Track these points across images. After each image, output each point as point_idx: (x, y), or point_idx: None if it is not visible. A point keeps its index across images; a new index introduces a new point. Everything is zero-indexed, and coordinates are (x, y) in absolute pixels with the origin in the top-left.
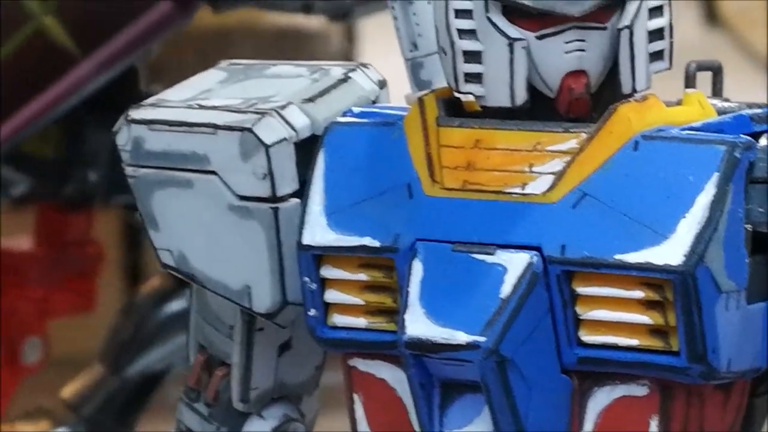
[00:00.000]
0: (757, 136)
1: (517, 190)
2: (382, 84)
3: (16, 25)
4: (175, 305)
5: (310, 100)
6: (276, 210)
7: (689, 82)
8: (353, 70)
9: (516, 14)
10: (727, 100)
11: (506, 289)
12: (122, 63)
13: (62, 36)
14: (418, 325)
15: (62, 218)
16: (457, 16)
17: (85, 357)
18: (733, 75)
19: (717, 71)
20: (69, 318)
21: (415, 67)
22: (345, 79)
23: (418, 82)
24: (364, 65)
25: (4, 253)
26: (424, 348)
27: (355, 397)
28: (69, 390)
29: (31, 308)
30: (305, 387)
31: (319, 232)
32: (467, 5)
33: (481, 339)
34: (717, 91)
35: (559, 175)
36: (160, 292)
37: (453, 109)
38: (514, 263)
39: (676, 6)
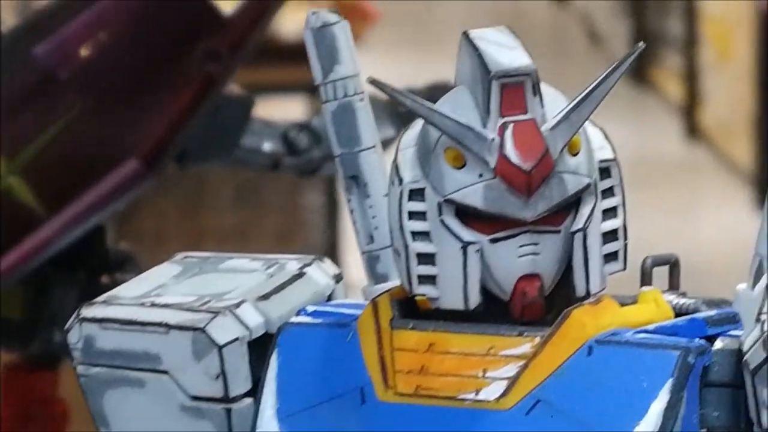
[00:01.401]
0: (712, 338)
1: (471, 396)
2: (338, 278)
3: None
4: None
5: (264, 297)
6: (229, 411)
7: (645, 278)
8: (309, 264)
9: (469, 217)
10: (683, 294)
11: None
12: (88, 223)
13: (27, 196)
14: None
15: (29, 377)
16: (410, 218)
17: None
18: (714, 189)
19: (674, 264)
20: None
21: (371, 260)
22: (300, 275)
23: (374, 274)
24: (320, 258)
25: None
26: None
27: None
28: None
29: None
30: None
31: None
32: (421, 207)
33: None
34: (674, 285)
35: (513, 381)
36: None
37: (408, 308)
38: None
39: (658, 119)
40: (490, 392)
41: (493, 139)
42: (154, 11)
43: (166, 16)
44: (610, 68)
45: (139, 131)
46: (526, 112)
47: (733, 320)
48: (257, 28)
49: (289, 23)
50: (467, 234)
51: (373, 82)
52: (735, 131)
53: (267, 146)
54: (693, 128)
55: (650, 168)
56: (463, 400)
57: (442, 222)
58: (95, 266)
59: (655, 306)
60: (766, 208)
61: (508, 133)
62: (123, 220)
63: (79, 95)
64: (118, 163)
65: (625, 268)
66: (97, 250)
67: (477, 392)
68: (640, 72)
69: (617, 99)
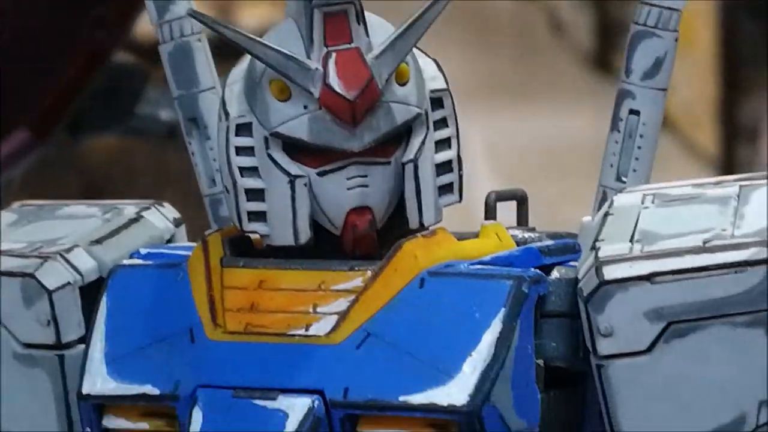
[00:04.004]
0: (549, 268)
1: (301, 332)
2: (178, 222)
3: None
4: None
5: (98, 241)
6: (62, 357)
7: (489, 213)
8: (147, 208)
9: (296, 151)
10: (532, 229)
11: None
12: None
13: None
14: None
15: None
16: (238, 153)
17: None
18: (679, 174)
19: (521, 200)
20: None
21: (213, 204)
22: (137, 219)
23: (217, 218)
24: (160, 203)
25: None
26: None
27: None
28: None
29: None
30: None
31: (99, 380)
32: (248, 142)
33: None
34: (522, 220)
35: (343, 315)
36: None
37: (240, 246)
38: (296, 408)
39: None
40: (321, 327)
41: (316, 69)
42: None
43: None
44: None
45: (27, 102)
46: (350, 42)
47: (573, 250)
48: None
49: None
50: (295, 168)
51: (192, 14)
52: (699, 118)
53: (164, 114)
54: None
55: None
56: (293, 336)
57: (270, 156)
58: None
59: (497, 239)
60: (607, 143)
61: (332, 62)
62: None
63: None
64: (7, 133)
65: (460, 200)
66: None
67: (307, 328)
68: (602, 60)
69: (580, 86)
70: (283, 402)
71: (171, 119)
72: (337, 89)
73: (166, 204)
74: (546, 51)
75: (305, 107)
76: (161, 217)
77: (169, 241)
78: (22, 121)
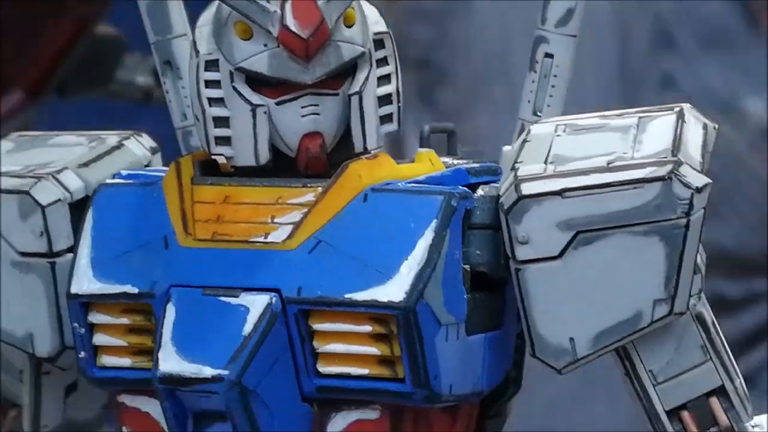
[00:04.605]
0: (475, 187)
1: (260, 239)
2: (155, 150)
3: None
4: None
5: (85, 165)
6: (53, 264)
7: (423, 142)
8: (127, 138)
9: (258, 83)
10: (461, 158)
11: (248, 327)
12: None
13: None
14: (169, 362)
15: None
16: (206, 86)
17: None
18: None
19: (451, 134)
20: None
21: (185, 135)
22: (119, 146)
23: (188, 147)
24: (138, 134)
25: None
26: (174, 382)
27: (123, 429)
28: None
29: None
30: (93, 424)
31: (85, 282)
32: (216, 76)
33: (225, 372)
34: (452, 150)
35: (297, 225)
36: None
37: (209, 169)
38: (256, 304)
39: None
40: (278, 235)
41: (275, 12)
42: None
43: None
44: None
45: (19, 65)
46: None
47: (495, 172)
48: None
49: None
50: (256, 98)
51: None
52: None
53: (140, 80)
54: None
55: None
56: (254, 242)
57: (234, 88)
58: None
59: (430, 164)
60: (525, 82)
61: (288, 5)
62: None
63: None
64: (5, 93)
65: (399, 129)
66: None
67: (266, 236)
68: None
69: None
70: (245, 299)
71: (146, 84)
72: (293, 29)
73: (144, 134)
74: None
75: (265, 45)
76: (139, 146)
77: (146, 165)
78: (18, 84)
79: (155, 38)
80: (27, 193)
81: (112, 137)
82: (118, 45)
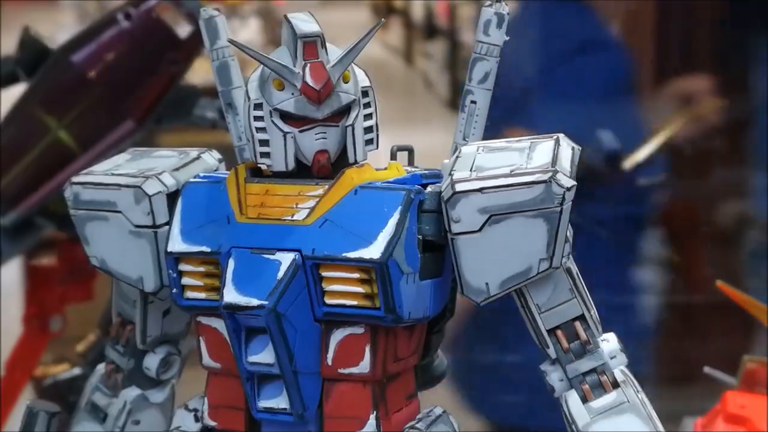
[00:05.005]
0: (425, 186)
1: (289, 218)
2: (221, 160)
3: (36, 139)
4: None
5: (176, 169)
6: (156, 233)
7: (392, 156)
8: (204, 152)
9: (287, 118)
10: (417, 167)
11: (280, 273)
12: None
13: (70, 142)
14: (230, 295)
15: (73, 247)
16: (254, 120)
17: (88, 329)
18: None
19: (411, 151)
20: (78, 304)
21: (240, 151)
22: (198, 158)
23: (242, 159)
24: (210, 150)
25: (39, 268)
26: (233, 308)
27: (201, 339)
28: (80, 346)
29: (55, 298)
30: (180, 335)
31: (176, 244)
32: (260, 114)
33: (265, 302)
34: (411, 162)
35: (312, 209)
36: None
37: (256, 173)
38: (285, 259)
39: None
40: (299, 216)
41: (298, 72)
42: (140, 36)
43: (148, 39)
44: (365, 33)
45: (132, 104)
46: (317, 58)
47: (439, 177)
48: (199, 45)
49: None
50: (286, 128)
51: (231, 42)
52: None
53: (209, 114)
54: None
55: None
56: (284, 220)
57: (272, 122)
58: None
59: (397, 171)
60: (458, 119)
61: (307, 69)
62: None
63: (99, 85)
64: (121, 122)
65: (377, 148)
66: None
67: (292, 216)
68: (455, 105)
69: (441, 118)
70: (278, 256)
71: (213, 117)
72: (310, 83)
73: (214, 150)
74: (421, 98)
75: (292, 93)
76: (211, 157)
77: (215, 171)
78: (130, 115)
79: (221, 88)
80: (140, 187)
81: (193, 151)
82: (195, 92)
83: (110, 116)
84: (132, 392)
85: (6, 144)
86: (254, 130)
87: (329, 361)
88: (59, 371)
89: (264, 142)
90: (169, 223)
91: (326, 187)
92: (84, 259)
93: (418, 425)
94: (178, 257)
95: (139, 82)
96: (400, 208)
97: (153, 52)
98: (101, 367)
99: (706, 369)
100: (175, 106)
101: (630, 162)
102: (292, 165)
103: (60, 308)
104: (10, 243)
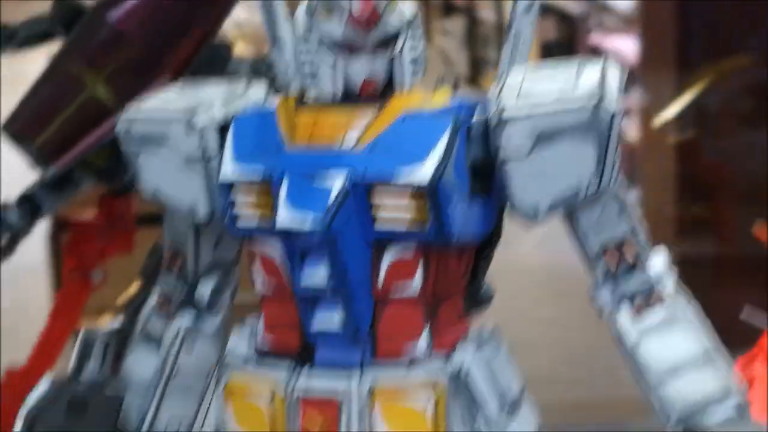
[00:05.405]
0: (473, 112)
1: (338, 144)
2: (269, 93)
3: (73, 95)
4: None
5: (226, 102)
6: (207, 164)
7: (438, 84)
8: (253, 84)
9: (335, 45)
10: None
11: (332, 196)
12: None
13: (107, 97)
14: (284, 218)
15: (112, 200)
16: (303, 49)
17: (130, 280)
18: None
19: (456, 82)
20: (118, 256)
21: (287, 84)
22: (247, 90)
23: (289, 92)
24: (258, 82)
25: (79, 222)
26: (287, 231)
27: (254, 265)
28: (122, 297)
29: (96, 252)
30: (232, 263)
31: (228, 172)
32: (307, 43)
33: (318, 225)
34: (456, 89)
35: (361, 135)
36: None
37: (304, 103)
38: (337, 182)
39: None
40: (350, 140)
41: (347, 2)
42: None
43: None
44: None
45: (167, 60)
46: None
47: (486, 103)
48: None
49: None
50: (334, 56)
51: None
52: None
53: (242, 70)
54: None
55: None
56: (335, 146)
57: (320, 50)
58: None
59: (444, 98)
60: (504, 44)
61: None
62: None
63: (134, 41)
64: (156, 78)
65: (423, 75)
66: None
67: (342, 142)
68: (475, 81)
69: None
70: (329, 180)
71: (246, 74)
72: (357, 11)
73: (262, 83)
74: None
75: (340, 21)
76: (260, 89)
77: (264, 103)
78: (164, 72)
79: (268, 20)
80: (190, 120)
81: (242, 83)
82: (228, 48)
83: (146, 72)
84: (185, 321)
85: (42, 100)
86: (303, 59)
87: (380, 283)
88: (102, 323)
89: (313, 72)
90: (220, 154)
91: (375, 113)
92: (124, 211)
93: (469, 341)
94: (230, 185)
95: (174, 38)
96: (448, 133)
97: (186, 8)
98: (155, 298)
99: (745, 310)
100: (208, 63)
101: (659, 119)
102: (340, 93)
103: (101, 261)
104: (50, 198)
